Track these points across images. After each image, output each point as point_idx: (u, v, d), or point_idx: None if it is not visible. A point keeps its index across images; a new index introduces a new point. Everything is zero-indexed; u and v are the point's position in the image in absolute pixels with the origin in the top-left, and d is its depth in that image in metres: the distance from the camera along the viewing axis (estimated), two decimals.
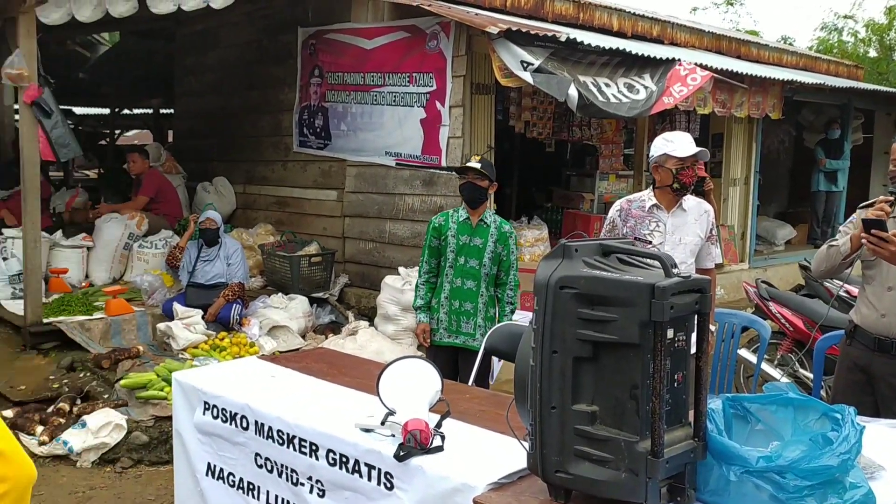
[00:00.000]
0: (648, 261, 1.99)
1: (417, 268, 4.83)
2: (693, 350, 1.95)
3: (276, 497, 2.85)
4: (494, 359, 4.52)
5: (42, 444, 4.52)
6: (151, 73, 10.65)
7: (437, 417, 2.49)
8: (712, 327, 3.99)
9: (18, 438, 4.56)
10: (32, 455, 4.48)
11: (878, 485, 2.04)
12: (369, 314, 6.72)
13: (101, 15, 5.73)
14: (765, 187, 10.04)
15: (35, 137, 5.61)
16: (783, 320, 5.20)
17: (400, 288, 6.16)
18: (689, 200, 3.90)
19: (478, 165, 4.42)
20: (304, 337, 6.34)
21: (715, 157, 8.44)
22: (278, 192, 8.20)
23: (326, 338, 6.29)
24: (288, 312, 6.39)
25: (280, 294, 6.74)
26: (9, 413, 4.87)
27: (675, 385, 1.93)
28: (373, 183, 7.09)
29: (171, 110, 11.79)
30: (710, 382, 4.21)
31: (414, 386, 2.61)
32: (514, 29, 5.44)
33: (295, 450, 2.73)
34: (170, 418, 4.53)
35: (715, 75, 6.37)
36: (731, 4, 28.35)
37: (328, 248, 7.27)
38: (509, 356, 3.98)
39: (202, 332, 5.85)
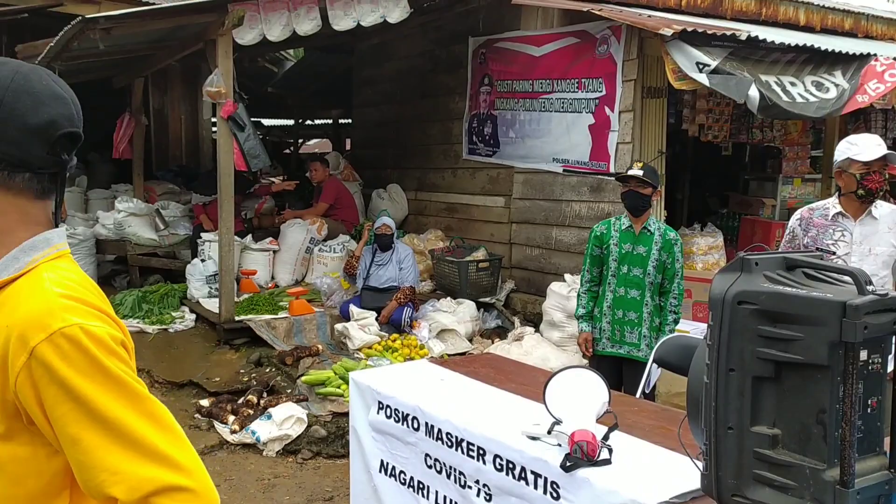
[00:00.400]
0: (838, 276, 1.86)
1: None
2: (890, 373, 1.80)
3: (445, 497, 2.93)
4: (653, 366, 4.39)
5: (233, 432, 4.92)
6: (332, 85, 11.28)
7: (604, 429, 2.46)
8: None
9: (213, 426, 5.01)
10: (225, 442, 4.89)
11: None
12: (535, 320, 6.73)
13: (288, 34, 6.15)
14: None
15: (230, 149, 6.12)
16: None
17: (566, 295, 6.11)
18: (882, 207, 3.59)
19: (639, 173, 4.30)
20: (471, 341, 6.46)
21: None
22: (448, 198, 8.40)
23: (493, 342, 6.37)
24: (456, 316, 6.53)
25: (449, 298, 6.91)
26: (205, 402, 5.35)
27: (869, 411, 1.78)
28: (540, 189, 7.09)
29: (349, 120, 12.43)
30: None
31: (580, 396, 2.59)
32: (689, 30, 5.24)
33: (463, 453, 2.79)
34: (346, 414, 4.78)
35: None
36: None
37: (495, 253, 7.37)
38: (680, 370, 3.82)
39: (376, 333, 6.12)
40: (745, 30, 5.68)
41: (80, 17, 5.46)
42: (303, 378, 5.42)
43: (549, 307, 6.25)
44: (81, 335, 1.08)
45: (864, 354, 1.73)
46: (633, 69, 6.05)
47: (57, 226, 1.25)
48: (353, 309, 6.29)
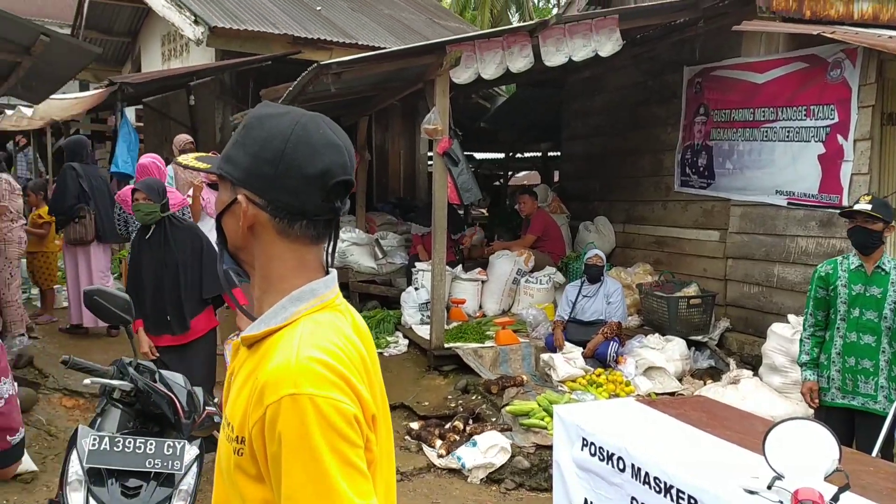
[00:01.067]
0: None
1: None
2: None
3: None
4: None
5: (440, 456, 5.08)
6: (542, 119, 11.42)
7: (833, 489, 2.26)
8: None
9: (421, 448, 5.20)
10: (432, 465, 5.06)
11: None
12: (752, 362, 6.31)
13: (502, 71, 6.33)
14: None
15: (445, 183, 6.39)
16: None
17: (789, 337, 5.68)
18: None
19: (867, 207, 3.92)
20: (680, 380, 6.19)
21: None
22: (657, 231, 8.16)
23: (704, 384, 6.06)
24: (664, 354, 6.30)
25: (657, 335, 6.68)
26: (415, 425, 5.57)
27: None
28: (760, 223, 6.68)
29: (558, 153, 12.50)
30: None
31: (806, 450, 2.39)
32: None
33: (672, 500, 2.68)
34: (549, 447, 4.77)
35: None
36: None
37: (708, 289, 7.02)
38: None
39: (581, 367, 6.05)
40: None
41: (315, 64, 6.00)
42: (507, 408, 5.48)
43: (769, 350, 5.84)
44: (306, 406, 1.08)
45: None
46: (871, 94, 5.55)
47: (328, 271, 1.28)
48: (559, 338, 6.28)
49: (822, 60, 5.95)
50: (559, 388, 5.92)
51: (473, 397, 5.97)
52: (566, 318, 6.56)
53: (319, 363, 1.12)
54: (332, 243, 1.29)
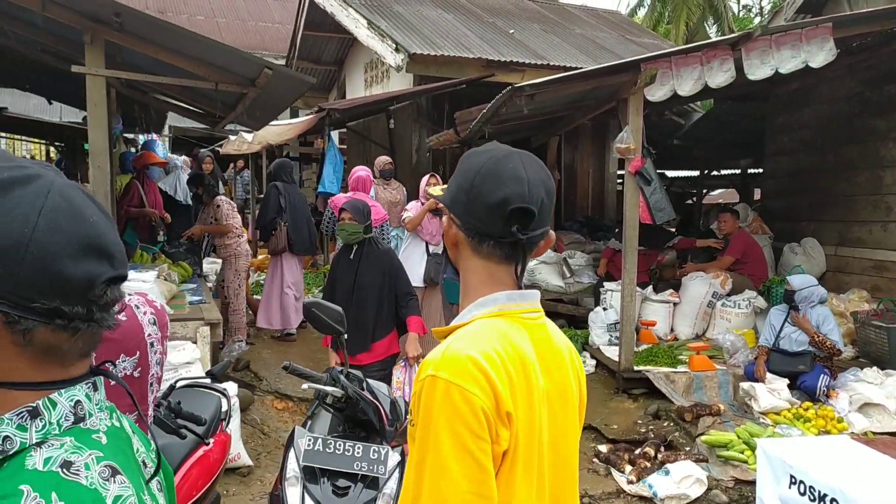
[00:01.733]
0: None
1: None
2: None
3: None
4: None
5: (630, 482, 4.95)
6: (742, 134, 10.86)
7: None
8: None
9: (610, 472, 5.10)
10: (621, 491, 4.95)
11: None
12: None
13: (700, 87, 6.11)
14: None
15: (636, 203, 6.27)
16: None
17: None
18: None
19: None
20: None
21: None
22: (876, 255, 7.47)
23: None
24: (884, 390, 5.73)
25: (874, 368, 6.10)
26: (603, 448, 5.48)
27: None
28: None
29: (759, 170, 11.81)
30: None
31: None
32: None
33: None
34: (749, 483, 4.52)
35: None
36: None
37: None
38: None
39: (786, 399, 5.66)
40: None
41: (509, 86, 6.13)
42: (703, 437, 5.24)
43: None
44: (440, 388, 1.27)
45: None
46: None
47: (520, 285, 1.44)
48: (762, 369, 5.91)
49: None
50: (761, 420, 5.57)
51: (665, 423, 5.77)
52: (770, 346, 6.16)
53: (465, 356, 1.29)
54: (518, 264, 1.43)
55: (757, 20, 33.97)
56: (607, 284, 7.75)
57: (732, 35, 6.33)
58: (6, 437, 0.89)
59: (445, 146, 9.95)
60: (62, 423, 0.92)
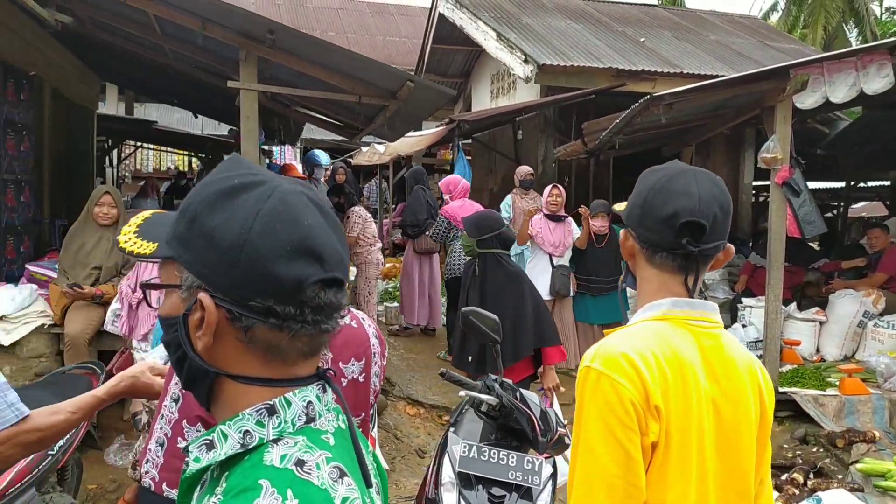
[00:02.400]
0: None
1: None
2: None
3: None
4: None
5: None
6: (894, 144, 10.16)
7: None
8: None
9: None
10: None
11: None
12: None
13: (855, 94, 5.76)
14: None
15: (783, 215, 5.98)
16: None
17: None
18: None
19: None
20: None
21: None
22: None
23: None
24: None
25: None
26: None
27: None
28: None
29: None
30: None
31: None
32: None
33: None
34: None
35: None
36: None
37: None
38: None
39: None
40: None
41: (647, 96, 6.00)
42: (858, 465, 4.92)
43: None
44: (592, 377, 1.43)
45: None
46: None
47: (692, 295, 1.53)
48: None
49: None
50: None
51: (814, 449, 5.45)
52: None
53: (618, 352, 1.42)
54: (691, 275, 1.51)
55: None
56: (746, 300, 7.43)
57: (892, 39, 5.94)
58: (246, 431, 0.94)
59: (573, 157, 9.87)
60: (295, 422, 0.95)
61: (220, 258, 0.91)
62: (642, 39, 11.29)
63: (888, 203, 14.04)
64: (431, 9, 13.08)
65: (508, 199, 8.12)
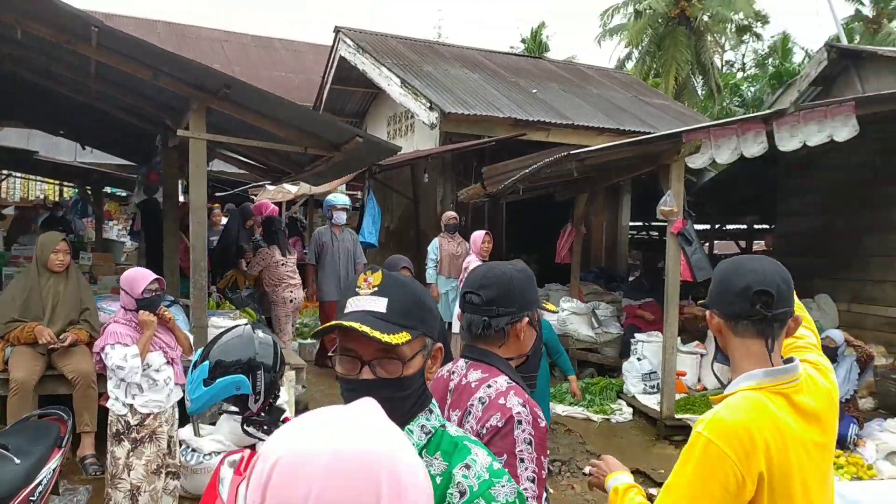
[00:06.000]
0: None
1: None
2: None
3: None
4: None
5: None
6: (751, 193, 11.48)
7: None
8: None
9: None
10: None
11: None
12: None
13: (736, 157, 6.66)
14: None
15: (678, 261, 6.76)
16: None
17: None
18: None
19: None
20: None
21: None
22: (889, 312, 8.00)
23: None
24: None
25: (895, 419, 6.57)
26: (654, 491, 5.86)
27: None
28: None
29: (764, 226, 12.38)
30: None
31: None
32: None
33: None
34: None
35: None
36: None
37: None
38: None
39: None
40: None
41: (540, 144, 6.66)
42: None
43: None
44: (700, 440, 1.74)
45: None
46: None
47: (771, 360, 1.82)
48: None
49: None
50: None
51: None
52: None
53: (724, 422, 1.74)
54: (769, 338, 1.84)
55: (739, 75, 35.45)
56: (638, 335, 8.20)
57: (766, 112, 6.90)
58: (422, 425, 1.43)
59: (474, 199, 10.46)
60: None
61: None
62: (534, 91, 12.16)
63: (740, 243, 15.67)
64: (332, 51, 13.43)
65: (435, 242, 8.62)
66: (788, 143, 6.70)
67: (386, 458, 0.82)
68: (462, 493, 1.32)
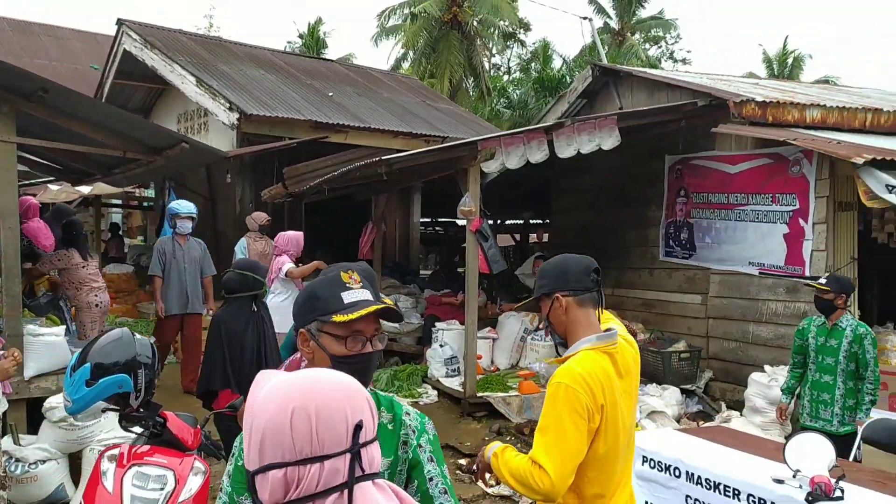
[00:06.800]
0: None
1: (783, 366, 5.73)
2: None
3: None
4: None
5: (490, 486, 6.09)
6: (528, 192, 12.75)
7: (834, 478, 3.40)
8: None
9: (473, 480, 6.21)
10: (486, 494, 6.08)
11: None
12: (734, 407, 7.52)
13: (524, 163, 7.58)
14: None
15: (476, 255, 7.54)
16: None
17: (766, 384, 6.91)
18: None
19: (822, 282, 5.28)
20: (678, 422, 7.34)
21: None
22: (645, 295, 9.42)
23: (697, 425, 7.23)
24: (663, 400, 7.47)
25: (654, 384, 7.85)
26: (463, 461, 6.58)
27: None
28: (736, 289, 7.99)
29: (538, 220, 13.74)
30: None
31: (814, 453, 3.56)
32: (878, 158, 6.13)
33: (720, 494, 3.80)
34: None
35: None
36: None
37: (693, 345, 8.26)
38: (888, 448, 4.63)
39: None
40: None
41: (340, 146, 7.15)
42: None
43: (751, 395, 7.05)
44: (560, 387, 2.36)
45: None
46: (825, 187, 6.95)
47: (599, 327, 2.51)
48: None
49: (785, 158, 7.35)
50: None
51: (507, 438, 7.01)
52: None
53: (574, 371, 2.36)
54: (598, 308, 2.55)
55: (506, 78, 38.11)
56: (439, 324, 8.94)
57: (549, 123, 7.88)
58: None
59: (276, 199, 10.65)
60: None
61: None
62: (330, 94, 12.53)
63: (515, 236, 17.21)
64: (114, 44, 12.85)
65: (243, 241, 8.68)
66: (566, 150, 7.73)
67: (352, 380, 1.26)
68: (413, 431, 1.79)
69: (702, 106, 8.11)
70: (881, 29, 69.06)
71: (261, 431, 1.19)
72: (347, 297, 1.78)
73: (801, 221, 7.18)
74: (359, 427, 1.20)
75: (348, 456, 1.18)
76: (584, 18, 15.50)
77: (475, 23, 32.04)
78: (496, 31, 34.38)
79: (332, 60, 15.51)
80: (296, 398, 1.19)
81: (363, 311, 1.72)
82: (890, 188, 6.08)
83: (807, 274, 7.06)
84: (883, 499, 3.34)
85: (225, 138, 11.35)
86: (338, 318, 1.73)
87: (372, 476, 1.22)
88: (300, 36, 32.63)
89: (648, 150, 9.27)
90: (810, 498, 3.31)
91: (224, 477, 1.74)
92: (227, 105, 10.31)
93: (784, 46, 32.83)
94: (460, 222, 17.22)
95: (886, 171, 6.19)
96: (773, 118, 7.79)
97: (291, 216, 12.34)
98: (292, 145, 10.42)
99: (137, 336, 3.26)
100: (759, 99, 7.80)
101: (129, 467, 3.06)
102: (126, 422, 3.25)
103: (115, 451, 3.25)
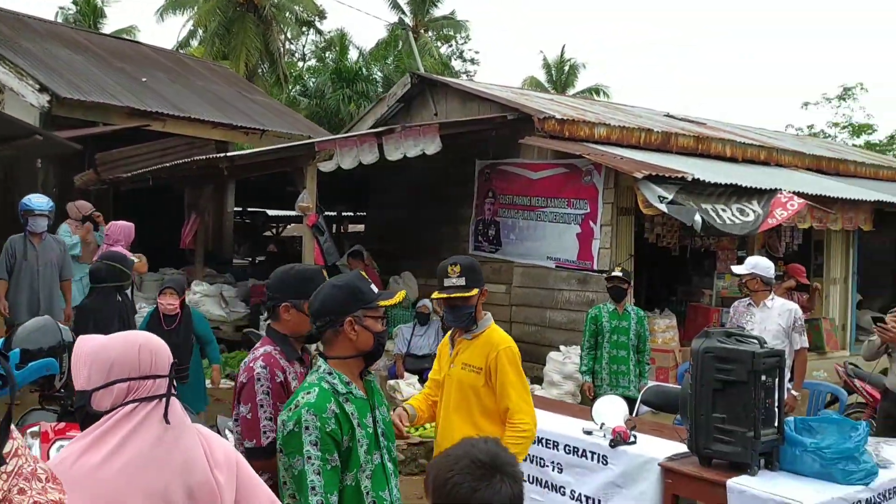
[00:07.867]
0: (750, 339, 3.97)
1: (576, 346, 6.92)
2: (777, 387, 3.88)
3: (528, 475, 4.85)
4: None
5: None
6: (345, 187, 13.32)
7: (628, 428, 4.46)
8: (795, 392, 5.65)
9: None
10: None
11: (886, 471, 3.87)
12: (534, 382, 8.69)
13: (357, 164, 8.20)
14: (871, 285, 11.46)
15: (312, 248, 8.07)
16: (865, 392, 6.82)
17: (562, 361, 8.14)
18: (776, 301, 5.76)
19: (620, 274, 6.53)
20: None
21: (817, 261, 10.13)
22: None
23: None
24: None
25: None
26: None
27: (767, 405, 3.86)
28: (536, 280, 9.20)
29: (351, 213, 14.31)
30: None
31: (613, 411, 4.60)
32: (653, 174, 7.51)
33: (542, 446, 4.74)
34: (416, 444, 6.62)
35: (809, 202, 8.20)
36: (844, 100, 29.60)
37: None
38: (660, 407, 5.91)
39: (419, 389, 8.01)
40: (690, 172, 7.99)
41: (157, 133, 7.37)
42: None
43: (548, 371, 8.26)
44: (511, 350, 3.36)
45: (763, 377, 3.82)
46: (611, 195, 8.29)
47: None
48: (400, 370, 8.21)
49: (579, 169, 8.62)
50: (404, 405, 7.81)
51: None
52: (404, 352, 8.50)
53: (507, 338, 3.48)
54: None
55: (300, 64, 37.58)
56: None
57: (380, 129, 8.56)
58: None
59: (90, 186, 10.35)
60: None
61: None
62: (144, 80, 12.25)
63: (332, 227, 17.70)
64: None
65: (65, 226, 8.40)
66: (394, 153, 8.47)
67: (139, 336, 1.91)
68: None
69: (511, 119, 9.20)
70: (646, 37, 77.53)
71: (109, 360, 1.80)
72: (374, 287, 2.39)
73: (591, 223, 8.48)
74: (173, 364, 1.87)
75: (167, 379, 1.83)
76: (404, 28, 16.22)
77: (272, 7, 31.28)
78: (293, 17, 33.82)
79: (140, 43, 14.98)
80: (140, 340, 1.86)
81: (398, 297, 2.35)
82: (661, 199, 7.48)
83: (595, 267, 8.37)
84: (661, 441, 4.44)
85: (26, 116, 10.78)
86: (384, 302, 2.30)
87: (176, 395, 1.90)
88: (74, 2, 29.98)
89: (461, 154, 10.22)
90: (613, 444, 4.33)
91: (308, 447, 2.21)
92: (38, 86, 9.85)
93: (562, 55, 35.59)
94: (271, 213, 17.47)
95: (658, 184, 7.59)
96: (569, 133, 9.05)
97: (99, 204, 11.94)
98: (122, 132, 10.16)
99: (60, 323, 3.58)
100: (558, 116, 9.03)
101: (54, 442, 3.38)
102: (46, 402, 3.55)
103: (35, 429, 3.54)
